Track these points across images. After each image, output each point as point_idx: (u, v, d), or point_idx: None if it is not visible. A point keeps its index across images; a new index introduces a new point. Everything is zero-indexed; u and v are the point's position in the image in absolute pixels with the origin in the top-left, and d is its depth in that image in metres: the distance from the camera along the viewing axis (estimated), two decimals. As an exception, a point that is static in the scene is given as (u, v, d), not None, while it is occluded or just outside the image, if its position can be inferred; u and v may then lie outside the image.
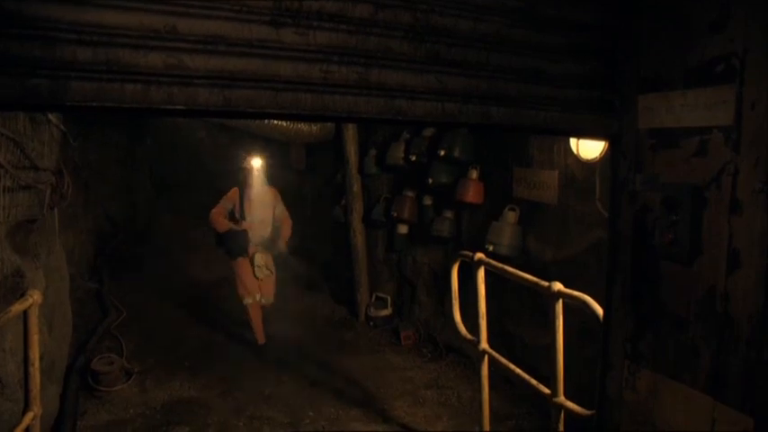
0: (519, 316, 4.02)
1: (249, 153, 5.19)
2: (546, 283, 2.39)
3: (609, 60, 1.64)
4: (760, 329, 1.47)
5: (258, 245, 5.00)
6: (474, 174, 4.39)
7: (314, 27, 1.32)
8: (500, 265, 2.89)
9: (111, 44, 1.14)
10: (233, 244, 4.87)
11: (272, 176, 5.36)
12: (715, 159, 1.55)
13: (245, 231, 4.89)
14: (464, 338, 3.31)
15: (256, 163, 5.13)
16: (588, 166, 3.23)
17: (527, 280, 2.61)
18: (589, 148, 3.14)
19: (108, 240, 7.23)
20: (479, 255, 3.08)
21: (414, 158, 4.82)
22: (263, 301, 5.03)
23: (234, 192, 5.07)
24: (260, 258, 4.94)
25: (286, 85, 1.32)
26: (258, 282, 4.97)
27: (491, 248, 3.91)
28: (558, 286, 2.34)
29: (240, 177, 5.15)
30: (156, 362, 4.60)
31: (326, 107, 1.37)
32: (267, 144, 6.59)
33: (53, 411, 3.32)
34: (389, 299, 5.62)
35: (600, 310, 1.97)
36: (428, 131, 4.81)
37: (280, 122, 5.87)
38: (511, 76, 1.52)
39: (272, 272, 5.03)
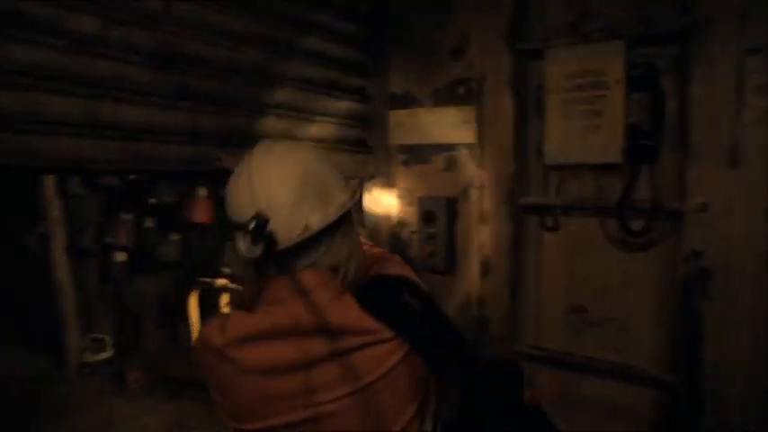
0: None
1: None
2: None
3: (366, 75, 1.66)
4: (509, 326, 1.67)
5: None
6: (203, 192, 4.08)
7: (15, 39, 0.94)
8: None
9: None
10: None
11: None
12: (463, 174, 1.72)
13: None
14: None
15: None
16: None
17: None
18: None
19: None
20: (222, 281, 2.88)
21: (131, 176, 4.21)
22: None
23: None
24: None
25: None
26: None
27: (228, 270, 3.71)
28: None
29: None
30: None
31: (34, 154, 1.00)
32: None
33: None
34: (108, 338, 4.81)
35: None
36: (146, 145, 4.26)
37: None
38: (274, 112, 1.39)
39: None
